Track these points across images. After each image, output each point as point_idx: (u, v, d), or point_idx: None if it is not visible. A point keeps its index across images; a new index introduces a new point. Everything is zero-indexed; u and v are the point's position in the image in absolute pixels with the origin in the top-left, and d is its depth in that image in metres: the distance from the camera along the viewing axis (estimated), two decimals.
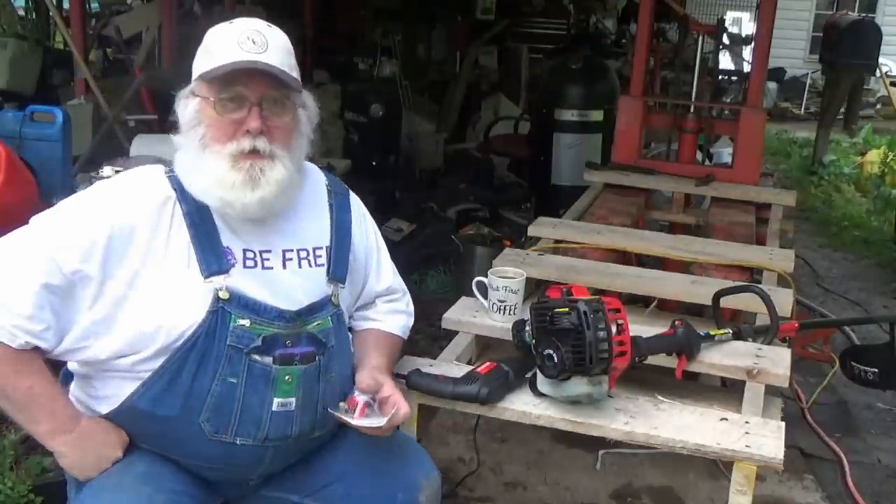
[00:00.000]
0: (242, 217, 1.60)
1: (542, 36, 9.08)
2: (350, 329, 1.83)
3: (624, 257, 2.99)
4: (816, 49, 10.76)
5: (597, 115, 5.21)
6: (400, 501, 1.73)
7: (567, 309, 1.75)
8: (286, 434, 1.64)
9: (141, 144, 3.47)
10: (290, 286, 1.64)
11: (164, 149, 3.27)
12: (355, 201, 1.84)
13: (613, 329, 1.73)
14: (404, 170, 6.64)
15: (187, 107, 1.58)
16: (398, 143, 6.68)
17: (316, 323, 1.66)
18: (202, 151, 1.56)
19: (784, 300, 2.48)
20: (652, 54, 5.50)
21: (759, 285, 2.52)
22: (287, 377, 1.61)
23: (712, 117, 4.37)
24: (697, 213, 4.02)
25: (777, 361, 2.11)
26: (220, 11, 6.42)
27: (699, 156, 5.09)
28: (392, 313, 1.92)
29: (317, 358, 1.65)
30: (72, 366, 1.67)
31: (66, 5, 6.39)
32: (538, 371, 1.85)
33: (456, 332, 2.32)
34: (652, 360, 2.04)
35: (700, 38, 4.77)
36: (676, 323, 2.10)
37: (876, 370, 2.59)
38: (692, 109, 4.27)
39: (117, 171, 2.67)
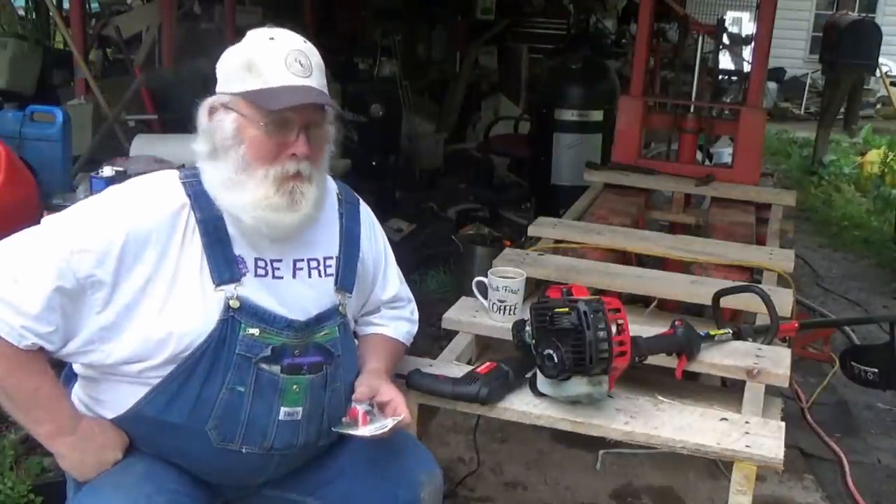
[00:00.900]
0: (272, 237, 1.60)
1: (542, 36, 9.08)
2: (354, 334, 1.84)
3: (624, 257, 2.99)
4: (816, 49, 10.76)
5: (597, 115, 5.21)
6: (402, 499, 1.73)
7: (567, 309, 1.75)
8: (292, 444, 1.65)
9: (141, 144, 3.47)
10: (300, 296, 1.64)
11: (163, 149, 3.28)
12: (365, 210, 1.84)
13: (613, 329, 1.73)
14: (404, 170, 6.63)
15: (223, 121, 1.56)
16: (398, 143, 6.68)
17: (323, 332, 1.66)
18: (242, 171, 1.55)
19: (784, 300, 2.48)
20: (652, 54, 5.50)
21: (759, 285, 2.52)
22: (295, 387, 1.61)
23: (712, 117, 4.37)
24: (697, 213, 4.02)
25: (777, 361, 2.11)
26: (219, 11, 6.42)
27: (699, 156, 5.09)
28: (395, 320, 1.93)
29: (324, 367, 1.66)
30: (77, 368, 1.67)
31: (66, 5, 6.40)
32: (538, 371, 1.85)
33: (456, 332, 2.32)
34: (652, 360, 2.04)
35: (700, 38, 4.77)
36: (676, 323, 2.10)
37: (876, 370, 2.59)
38: (692, 109, 4.28)
39: (117, 171, 2.68)
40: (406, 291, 1.96)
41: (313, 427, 1.67)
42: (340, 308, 1.70)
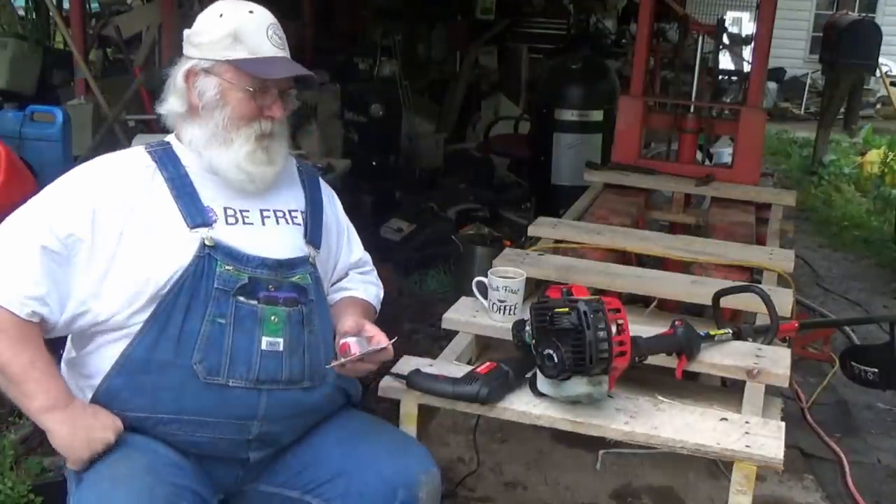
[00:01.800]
0: (249, 188, 1.74)
1: (542, 36, 9.07)
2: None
3: (624, 257, 2.99)
4: (816, 49, 10.76)
5: (597, 115, 5.21)
6: (400, 497, 1.73)
7: (567, 309, 1.75)
8: (276, 377, 1.70)
9: (141, 144, 3.47)
10: (271, 240, 1.76)
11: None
12: (324, 184, 1.98)
13: (613, 329, 1.73)
14: (404, 170, 6.63)
15: (205, 84, 1.71)
16: (398, 143, 6.68)
17: (296, 276, 1.76)
18: (227, 131, 1.71)
19: (784, 300, 2.48)
20: (652, 54, 5.49)
21: (759, 285, 2.52)
22: (273, 317, 1.70)
23: (712, 117, 4.37)
24: (697, 213, 4.02)
25: (777, 361, 2.11)
26: None
27: (699, 156, 5.09)
28: (365, 283, 2.04)
29: (300, 304, 1.74)
30: (67, 354, 1.73)
31: (66, 5, 6.39)
32: (538, 371, 1.85)
33: (456, 332, 2.32)
34: (652, 360, 2.03)
35: (700, 38, 4.77)
36: (676, 323, 2.10)
37: (876, 370, 2.59)
38: (692, 109, 4.27)
39: None
40: (368, 257, 2.09)
41: (295, 363, 1.72)
42: (311, 259, 1.80)
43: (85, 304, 1.62)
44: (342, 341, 1.78)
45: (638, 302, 2.78)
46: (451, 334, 2.34)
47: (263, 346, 1.68)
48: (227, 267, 1.67)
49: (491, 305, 2.26)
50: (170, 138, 1.79)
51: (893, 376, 2.58)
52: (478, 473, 2.84)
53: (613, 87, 5.37)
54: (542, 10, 9.44)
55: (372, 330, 1.82)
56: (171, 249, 1.65)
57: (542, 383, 1.86)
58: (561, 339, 1.74)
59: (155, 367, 1.64)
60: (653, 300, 2.69)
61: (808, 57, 13.63)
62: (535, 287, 2.56)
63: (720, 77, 7.28)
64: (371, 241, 2.00)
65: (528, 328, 1.87)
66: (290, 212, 1.82)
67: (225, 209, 1.73)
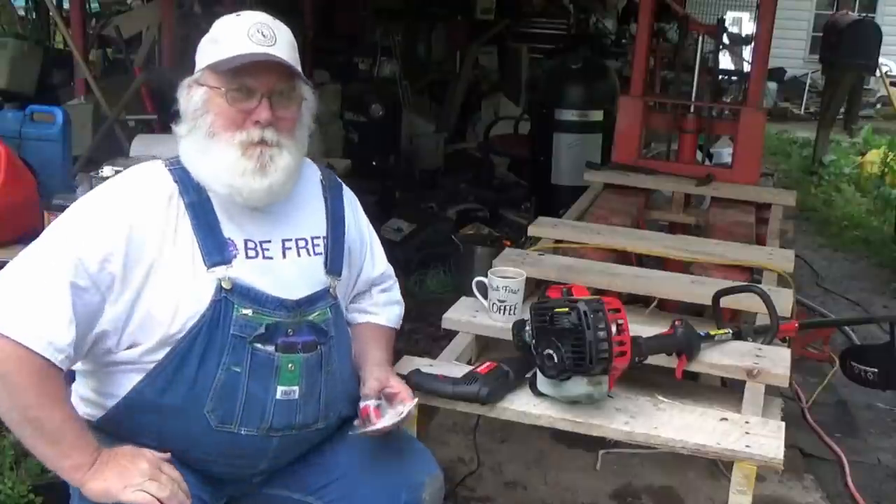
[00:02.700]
0: (248, 205, 1.64)
1: (542, 36, 9.06)
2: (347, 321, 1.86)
3: (624, 257, 2.99)
4: (816, 49, 10.75)
5: (597, 115, 5.21)
6: (403, 500, 1.73)
7: (567, 309, 1.75)
8: (290, 424, 1.66)
9: (141, 144, 3.47)
10: (290, 276, 1.67)
11: (163, 149, 3.27)
12: (348, 194, 1.89)
13: (613, 329, 1.73)
14: (404, 170, 6.63)
15: (193, 95, 1.62)
16: (398, 143, 6.68)
17: (316, 313, 1.69)
18: (210, 139, 1.60)
19: (784, 300, 2.48)
20: (652, 54, 5.49)
21: (759, 285, 2.52)
22: (290, 365, 1.63)
23: (712, 117, 4.37)
24: (697, 213, 4.02)
25: (777, 361, 2.11)
26: (220, 11, 6.42)
27: (699, 156, 5.08)
28: (388, 305, 1.97)
29: (318, 347, 1.67)
30: (80, 365, 1.67)
31: (66, 5, 6.40)
32: (538, 371, 1.85)
33: (456, 332, 2.32)
34: (652, 360, 2.04)
35: (700, 38, 4.76)
36: (676, 323, 2.10)
37: (876, 370, 2.58)
38: (692, 109, 4.27)
39: (117, 171, 2.67)
40: (391, 269, 2.00)
41: (311, 407, 1.68)
42: (331, 290, 1.73)
43: (103, 337, 1.56)
44: (363, 405, 1.73)
45: (638, 302, 2.78)
46: (451, 334, 2.33)
47: (278, 396, 1.63)
48: (244, 311, 1.59)
49: (491, 305, 2.26)
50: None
51: (893, 376, 2.57)
52: (478, 473, 2.84)
53: (613, 87, 5.37)
54: (542, 10, 9.44)
55: (396, 385, 1.78)
56: (188, 292, 1.57)
57: (542, 383, 1.86)
58: (561, 339, 1.74)
59: (164, 410, 1.59)
60: (653, 300, 2.69)
61: (808, 57, 13.62)
62: (535, 287, 2.56)
63: (720, 77, 7.27)
64: None
65: (528, 328, 1.87)
66: (312, 239, 1.73)
67: (245, 241, 1.64)
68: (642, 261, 3.04)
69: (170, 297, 1.56)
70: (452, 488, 2.74)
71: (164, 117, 4.66)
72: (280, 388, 1.63)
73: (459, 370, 1.98)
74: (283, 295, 1.64)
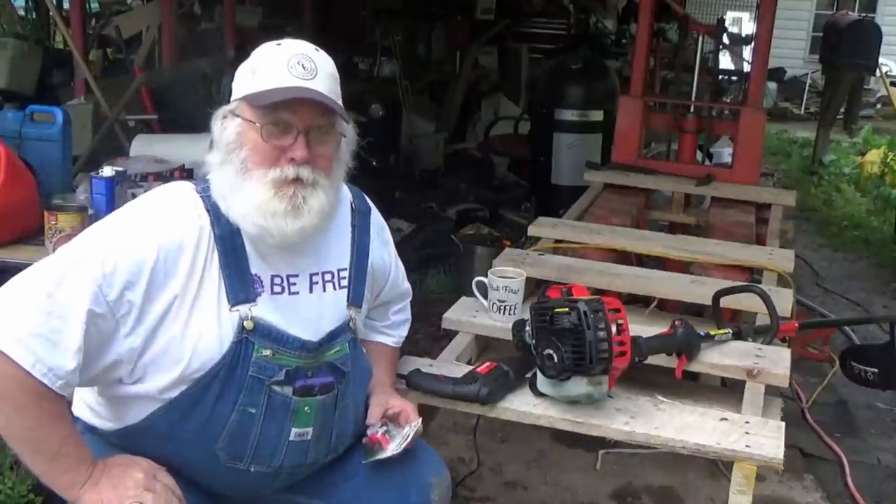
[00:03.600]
0: (278, 245, 1.58)
1: (542, 36, 9.06)
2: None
3: (624, 257, 2.99)
4: (816, 49, 10.74)
5: (597, 115, 5.21)
6: (412, 501, 1.73)
7: (567, 309, 1.75)
8: (300, 463, 1.66)
9: (141, 144, 3.47)
10: (314, 312, 1.64)
11: (163, 149, 3.28)
12: (375, 218, 1.84)
13: (613, 329, 1.73)
14: (404, 170, 6.63)
15: (227, 127, 1.55)
16: (398, 143, 6.67)
17: (335, 350, 1.66)
18: (242, 175, 1.53)
19: (784, 300, 2.48)
20: (652, 54, 5.49)
21: (759, 285, 2.52)
22: (306, 408, 1.62)
23: (712, 117, 4.37)
24: (697, 213, 4.02)
25: (777, 361, 2.11)
26: (219, 11, 6.42)
27: (699, 156, 5.08)
28: (400, 325, 1.98)
29: (335, 387, 1.66)
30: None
31: (66, 5, 6.39)
32: (538, 371, 1.85)
33: (456, 332, 2.32)
34: (652, 360, 2.04)
35: (700, 38, 4.76)
36: (676, 323, 2.10)
37: (876, 370, 2.58)
38: (692, 109, 4.27)
39: (117, 171, 2.68)
40: (409, 289, 2.01)
41: (322, 446, 1.68)
42: (351, 324, 1.70)
43: (115, 366, 1.51)
44: (370, 432, 1.73)
45: (638, 302, 2.78)
46: (451, 334, 2.34)
47: (292, 437, 1.61)
48: (264, 352, 1.55)
49: (491, 305, 2.26)
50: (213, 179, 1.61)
51: (893, 376, 2.57)
52: (478, 473, 2.84)
53: (613, 87, 5.37)
54: (542, 10, 9.44)
55: (397, 404, 1.78)
56: (209, 330, 1.52)
57: (542, 383, 1.86)
58: (561, 339, 1.74)
59: (175, 442, 1.57)
60: (653, 300, 2.69)
61: (808, 57, 13.62)
62: (535, 287, 2.56)
63: (720, 77, 7.27)
64: None
65: (528, 328, 1.87)
66: (338, 271, 1.69)
67: (272, 277, 1.59)
68: (642, 261, 3.04)
69: (190, 333, 1.52)
70: (452, 488, 2.74)
71: (164, 117, 4.69)
72: (294, 430, 1.61)
73: (459, 370, 1.98)
74: (306, 335, 1.60)
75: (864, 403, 3.59)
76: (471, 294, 2.35)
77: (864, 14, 12.09)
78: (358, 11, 7.95)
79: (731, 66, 9.19)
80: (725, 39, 6.09)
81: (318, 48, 1.61)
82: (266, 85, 1.52)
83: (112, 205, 2.56)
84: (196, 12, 6.99)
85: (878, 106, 12.54)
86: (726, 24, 6.15)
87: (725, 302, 2.42)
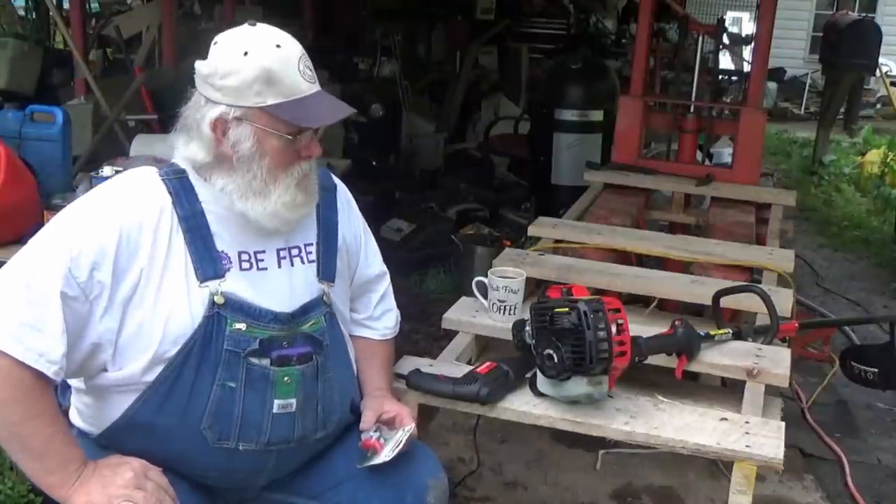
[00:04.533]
0: (290, 230, 1.66)
1: (542, 36, 9.07)
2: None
3: (624, 257, 2.99)
4: (816, 49, 10.74)
5: (597, 115, 5.21)
6: (408, 502, 1.73)
7: (567, 309, 1.75)
8: (288, 437, 1.65)
9: (141, 144, 3.47)
10: (285, 286, 1.66)
11: (163, 149, 3.26)
12: (342, 194, 1.86)
13: (613, 329, 1.73)
14: (404, 170, 6.63)
15: (239, 135, 1.56)
16: (398, 143, 6.68)
17: (310, 323, 1.67)
18: (265, 180, 1.59)
19: (784, 300, 2.48)
20: (652, 54, 5.49)
21: (759, 285, 2.52)
22: (286, 378, 1.62)
23: (712, 117, 4.37)
24: (697, 213, 4.02)
25: (777, 361, 2.11)
26: (219, 11, 6.42)
27: (699, 156, 5.09)
28: (384, 315, 1.95)
29: (314, 357, 1.66)
30: (76, 382, 1.66)
31: (66, 5, 6.40)
32: (538, 371, 1.85)
33: (456, 332, 2.32)
34: (652, 360, 2.04)
35: (700, 38, 4.76)
36: (676, 323, 2.10)
37: (876, 370, 2.58)
38: (692, 109, 4.27)
39: (117, 171, 2.67)
40: (387, 272, 1.98)
41: (309, 419, 1.67)
42: (325, 298, 1.72)
43: (96, 351, 1.54)
44: (364, 437, 1.73)
45: (638, 302, 2.78)
46: (451, 334, 2.33)
47: (275, 410, 1.61)
48: (237, 325, 1.57)
49: (491, 305, 2.26)
50: (185, 166, 1.63)
51: (893, 376, 2.57)
52: (478, 473, 2.84)
53: (613, 87, 5.37)
54: (542, 10, 9.45)
55: (392, 408, 1.78)
56: (179, 307, 1.55)
57: (542, 383, 1.86)
58: (561, 339, 1.74)
59: (160, 430, 1.57)
60: (653, 300, 2.69)
61: (808, 57, 13.62)
62: (535, 287, 2.56)
63: (720, 77, 7.28)
64: None
65: (528, 328, 1.87)
66: (305, 246, 1.72)
67: (239, 254, 1.62)
68: (642, 261, 3.04)
69: (161, 310, 1.54)
70: (452, 488, 2.74)
71: (164, 117, 4.69)
72: (277, 402, 1.61)
73: (459, 370, 1.98)
74: (278, 307, 1.62)
75: (864, 403, 3.59)
76: (471, 294, 2.35)
77: (864, 14, 12.09)
78: (358, 11, 7.95)
79: (731, 66, 9.19)
80: (725, 39, 6.10)
81: (292, 38, 1.63)
82: (289, 95, 1.56)
83: None
84: (196, 12, 7.00)
85: (878, 106, 12.54)
86: (726, 24, 6.16)
87: (725, 302, 2.42)
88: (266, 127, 1.56)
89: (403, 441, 1.71)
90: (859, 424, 3.46)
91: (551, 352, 1.76)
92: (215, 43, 1.59)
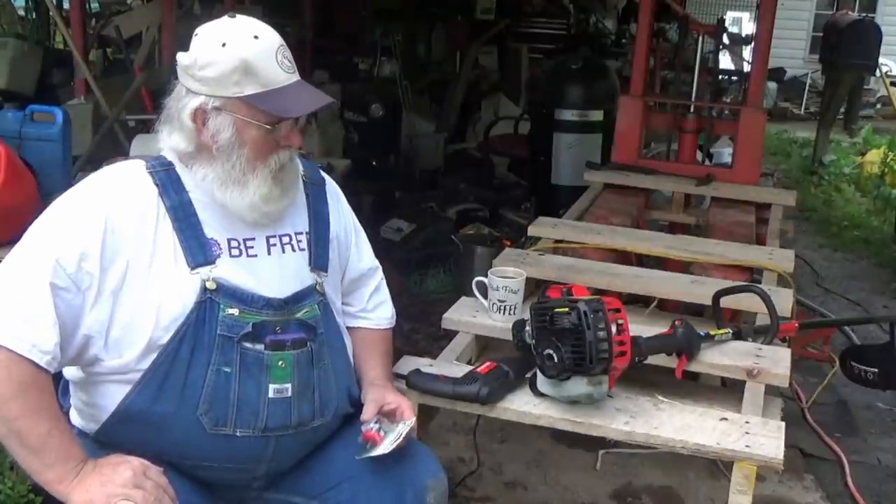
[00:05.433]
0: (270, 221, 1.67)
1: (542, 36, 9.08)
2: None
3: (624, 257, 2.99)
4: (816, 49, 10.74)
5: (597, 115, 5.21)
6: (408, 502, 1.72)
7: (567, 309, 1.75)
8: (285, 423, 1.65)
9: (141, 144, 3.47)
10: (276, 273, 1.67)
11: (160, 148, 3.27)
12: (331, 188, 1.87)
13: (613, 329, 1.73)
14: (404, 170, 6.63)
15: (219, 125, 1.58)
16: (398, 143, 6.68)
17: (304, 310, 1.68)
18: (246, 172, 1.61)
19: (784, 300, 2.48)
20: (652, 54, 5.49)
21: (759, 285, 2.52)
22: (280, 362, 1.63)
23: (712, 117, 4.37)
24: (697, 213, 4.02)
25: (777, 361, 2.11)
26: (219, 11, 6.42)
27: (699, 156, 5.09)
28: (378, 307, 1.95)
29: (308, 344, 1.67)
30: (68, 373, 1.66)
31: (66, 5, 6.39)
32: (538, 371, 1.85)
33: (456, 332, 2.32)
34: (652, 360, 2.04)
35: (700, 38, 4.76)
36: (676, 323, 2.10)
37: (876, 370, 2.58)
38: (692, 109, 4.27)
39: None
40: (378, 265, 1.99)
41: (305, 405, 1.67)
42: (318, 287, 1.72)
43: (89, 343, 1.55)
44: (364, 429, 1.72)
45: (638, 302, 2.78)
46: (451, 334, 2.34)
47: (271, 395, 1.62)
48: (230, 311, 1.59)
49: (491, 305, 2.26)
50: (172, 158, 1.66)
51: (893, 376, 2.57)
52: (478, 473, 2.84)
53: (613, 87, 5.37)
54: (542, 10, 9.45)
55: (392, 399, 1.78)
56: (171, 294, 1.56)
57: (542, 383, 1.86)
58: (561, 339, 1.74)
59: (156, 419, 1.58)
60: (653, 300, 2.69)
61: (808, 57, 13.62)
62: (535, 287, 2.56)
63: (720, 77, 7.27)
64: (371, 241, 1.99)
65: (528, 328, 1.87)
66: (295, 235, 1.73)
67: (229, 241, 1.64)
68: (642, 261, 3.04)
69: (152, 298, 1.55)
70: (452, 488, 2.74)
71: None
72: (272, 387, 1.62)
73: (459, 370, 1.98)
74: (270, 293, 1.64)
75: (864, 403, 3.59)
76: (471, 294, 2.35)
77: (864, 14, 12.08)
78: (358, 11, 7.95)
79: (731, 66, 9.19)
80: (725, 39, 6.10)
81: (270, 27, 1.63)
82: (267, 85, 1.57)
83: None
84: (196, 12, 7.00)
85: (878, 106, 12.54)
86: (726, 24, 6.15)
87: (725, 302, 2.42)
88: (245, 117, 1.58)
89: (403, 434, 1.71)
90: (859, 424, 3.46)
91: (551, 352, 1.76)
92: (196, 35, 1.62)
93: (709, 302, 2.44)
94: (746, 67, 7.05)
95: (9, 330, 1.44)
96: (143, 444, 1.58)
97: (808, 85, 12.85)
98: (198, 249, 1.60)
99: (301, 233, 1.74)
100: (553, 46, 8.57)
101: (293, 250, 1.72)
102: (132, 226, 1.56)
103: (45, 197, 2.63)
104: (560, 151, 5.22)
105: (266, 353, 1.61)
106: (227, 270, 1.61)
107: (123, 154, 3.41)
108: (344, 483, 1.76)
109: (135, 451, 1.55)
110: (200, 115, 1.59)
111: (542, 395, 1.88)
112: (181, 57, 1.60)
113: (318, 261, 1.75)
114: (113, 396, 1.60)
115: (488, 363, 1.93)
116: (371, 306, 1.94)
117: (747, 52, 8.04)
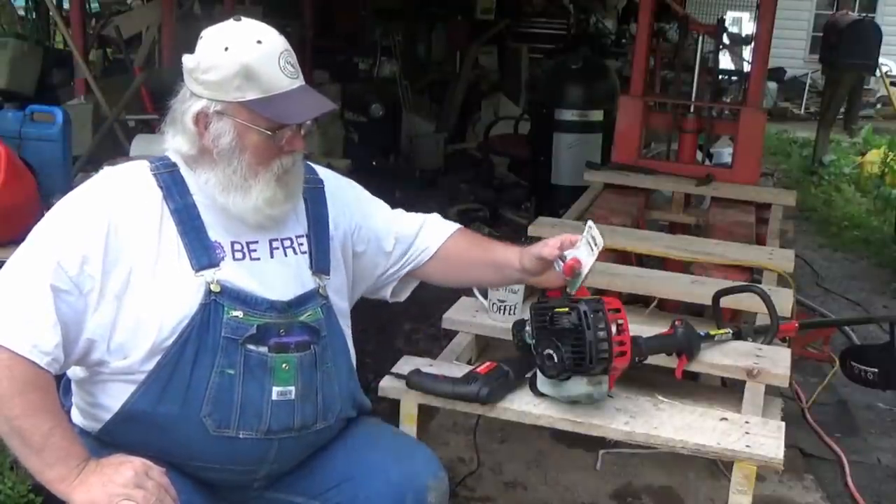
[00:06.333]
0: (273, 225, 1.67)
1: (542, 36, 9.07)
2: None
3: (624, 257, 2.99)
4: (816, 49, 10.74)
5: (597, 115, 5.22)
6: (409, 502, 1.72)
7: (567, 309, 1.75)
8: (288, 425, 1.65)
9: (141, 144, 3.47)
10: (279, 276, 1.67)
11: (163, 149, 3.27)
12: (330, 188, 1.84)
13: (613, 329, 1.73)
14: (404, 170, 6.63)
15: (220, 129, 1.58)
16: (398, 143, 6.68)
17: (307, 313, 1.68)
18: (246, 175, 1.60)
19: (784, 300, 2.48)
20: (652, 54, 5.50)
21: (759, 285, 2.53)
22: (284, 365, 1.63)
23: (712, 117, 4.37)
24: (697, 213, 4.02)
25: (777, 361, 2.11)
26: (219, 11, 6.42)
27: (699, 156, 5.09)
28: (433, 227, 1.95)
29: (311, 346, 1.67)
30: (70, 372, 1.66)
31: (66, 5, 6.40)
32: (538, 371, 1.85)
33: (456, 332, 2.32)
34: (652, 360, 2.04)
35: (700, 38, 4.77)
36: (676, 323, 2.10)
37: (876, 370, 2.59)
38: (692, 109, 4.28)
39: None
40: (421, 215, 1.98)
41: (308, 407, 1.67)
42: (321, 290, 1.72)
43: (92, 346, 1.54)
44: (558, 268, 1.76)
45: (638, 302, 2.78)
46: (451, 334, 2.34)
47: (274, 397, 1.61)
48: (234, 313, 1.58)
49: (491, 305, 2.26)
50: (176, 159, 1.65)
51: (893, 376, 2.58)
52: (478, 473, 2.84)
53: (613, 87, 5.38)
54: (542, 10, 9.45)
55: (552, 241, 1.82)
56: (175, 296, 1.56)
57: (542, 383, 1.86)
58: (561, 339, 1.74)
59: (160, 420, 1.58)
60: (653, 300, 2.69)
61: (808, 57, 13.61)
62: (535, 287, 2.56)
63: (720, 77, 7.28)
64: None
65: (528, 328, 1.87)
66: (296, 238, 1.72)
67: (232, 244, 1.63)
68: (642, 261, 3.04)
69: (156, 302, 1.55)
70: (452, 488, 2.74)
71: (164, 117, 4.68)
72: (276, 389, 1.62)
73: (459, 370, 1.98)
74: (273, 296, 1.63)
75: (864, 403, 3.59)
76: (471, 294, 2.35)
77: (864, 14, 12.08)
78: (358, 11, 7.96)
79: (731, 66, 9.19)
80: (725, 39, 6.10)
81: (278, 32, 1.62)
82: (269, 91, 1.56)
83: None
84: (196, 12, 7.00)
85: (878, 106, 12.54)
86: (726, 24, 6.16)
87: (725, 302, 2.42)
88: (246, 122, 1.57)
89: (593, 230, 1.76)
90: (859, 424, 3.46)
91: (551, 352, 1.76)
92: (201, 37, 1.61)
93: (709, 302, 2.44)
94: (746, 67, 7.05)
95: (9, 330, 1.44)
96: (146, 445, 1.58)
97: (808, 85, 12.85)
98: (202, 252, 1.60)
99: (301, 236, 1.74)
100: (553, 46, 8.57)
101: (295, 253, 1.71)
102: (136, 228, 1.56)
103: (45, 197, 2.63)
104: (560, 151, 5.22)
105: (270, 356, 1.61)
106: (231, 273, 1.61)
107: (123, 154, 3.41)
108: (345, 483, 1.76)
109: (137, 451, 1.54)
110: (202, 119, 1.58)
111: (542, 395, 1.88)
112: (186, 59, 1.60)
113: (320, 263, 1.74)
114: (116, 397, 1.60)
115: (488, 363, 1.93)
116: (430, 225, 1.94)
117: (747, 52, 8.05)
